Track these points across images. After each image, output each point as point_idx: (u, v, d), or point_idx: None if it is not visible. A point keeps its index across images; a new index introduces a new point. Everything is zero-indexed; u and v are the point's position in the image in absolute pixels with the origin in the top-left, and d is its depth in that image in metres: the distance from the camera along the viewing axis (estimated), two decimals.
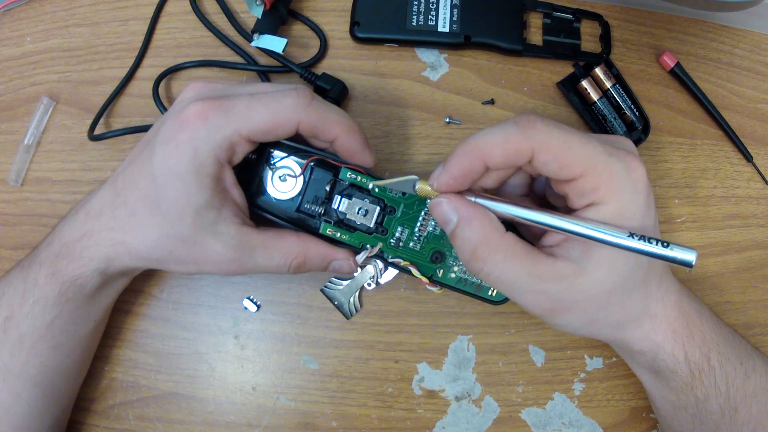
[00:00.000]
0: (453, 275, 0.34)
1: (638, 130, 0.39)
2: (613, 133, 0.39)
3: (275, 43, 0.37)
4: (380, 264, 0.36)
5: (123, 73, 0.41)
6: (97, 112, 0.39)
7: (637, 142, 0.39)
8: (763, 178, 0.41)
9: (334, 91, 0.38)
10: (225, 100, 0.29)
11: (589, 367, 0.39)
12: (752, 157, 0.41)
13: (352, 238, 0.34)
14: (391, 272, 0.37)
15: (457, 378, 0.38)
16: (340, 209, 0.33)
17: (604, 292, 0.28)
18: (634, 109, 0.39)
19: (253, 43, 0.38)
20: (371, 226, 0.34)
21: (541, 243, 0.30)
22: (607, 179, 0.27)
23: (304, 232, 0.33)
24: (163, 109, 0.39)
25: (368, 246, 0.34)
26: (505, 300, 0.34)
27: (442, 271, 0.34)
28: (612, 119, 0.39)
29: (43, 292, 0.31)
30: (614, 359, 0.39)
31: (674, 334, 0.31)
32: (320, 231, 0.33)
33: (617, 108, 0.39)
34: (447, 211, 0.29)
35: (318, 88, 0.38)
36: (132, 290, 0.39)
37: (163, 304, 0.39)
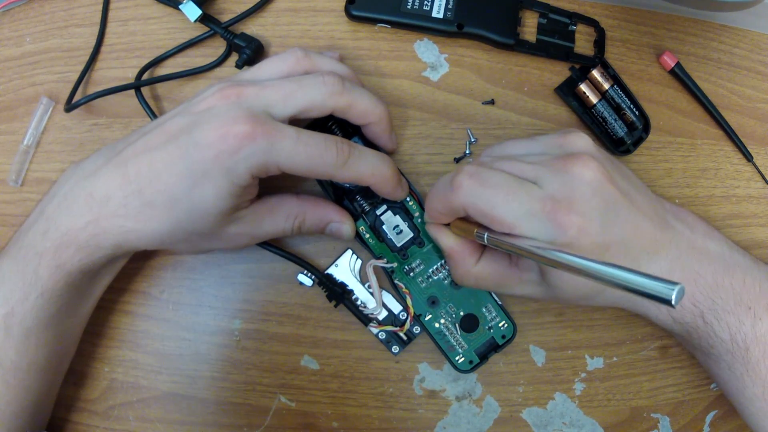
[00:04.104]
0: (437, 325, 0.37)
1: (639, 129, 0.39)
2: (614, 135, 0.39)
3: (191, 12, 0.39)
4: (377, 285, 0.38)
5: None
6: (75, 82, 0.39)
7: (639, 141, 0.39)
8: (764, 177, 0.41)
9: (249, 48, 0.39)
10: (274, 129, 0.29)
11: (590, 367, 0.39)
12: (752, 157, 0.41)
13: (376, 246, 0.37)
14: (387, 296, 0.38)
15: (458, 378, 0.38)
16: (381, 217, 0.36)
17: (570, 299, 0.32)
18: (634, 109, 0.39)
19: (180, 6, 0.40)
20: (397, 245, 0.37)
21: None
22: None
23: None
24: (149, 111, 0.38)
25: (385, 258, 0.36)
26: (469, 370, 0.37)
27: (430, 315, 0.37)
28: (612, 121, 0.39)
29: (47, 284, 0.31)
30: (615, 359, 0.39)
31: (658, 307, 0.33)
32: (356, 223, 0.36)
33: (617, 108, 0.39)
34: (435, 237, 0.35)
35: (235, 46, 0.40)
36: (132, 290, 0.39)
37: (164, 305, 0.39)
